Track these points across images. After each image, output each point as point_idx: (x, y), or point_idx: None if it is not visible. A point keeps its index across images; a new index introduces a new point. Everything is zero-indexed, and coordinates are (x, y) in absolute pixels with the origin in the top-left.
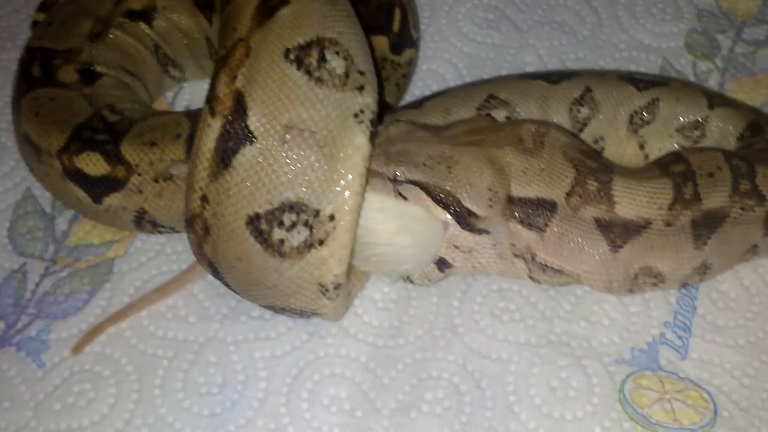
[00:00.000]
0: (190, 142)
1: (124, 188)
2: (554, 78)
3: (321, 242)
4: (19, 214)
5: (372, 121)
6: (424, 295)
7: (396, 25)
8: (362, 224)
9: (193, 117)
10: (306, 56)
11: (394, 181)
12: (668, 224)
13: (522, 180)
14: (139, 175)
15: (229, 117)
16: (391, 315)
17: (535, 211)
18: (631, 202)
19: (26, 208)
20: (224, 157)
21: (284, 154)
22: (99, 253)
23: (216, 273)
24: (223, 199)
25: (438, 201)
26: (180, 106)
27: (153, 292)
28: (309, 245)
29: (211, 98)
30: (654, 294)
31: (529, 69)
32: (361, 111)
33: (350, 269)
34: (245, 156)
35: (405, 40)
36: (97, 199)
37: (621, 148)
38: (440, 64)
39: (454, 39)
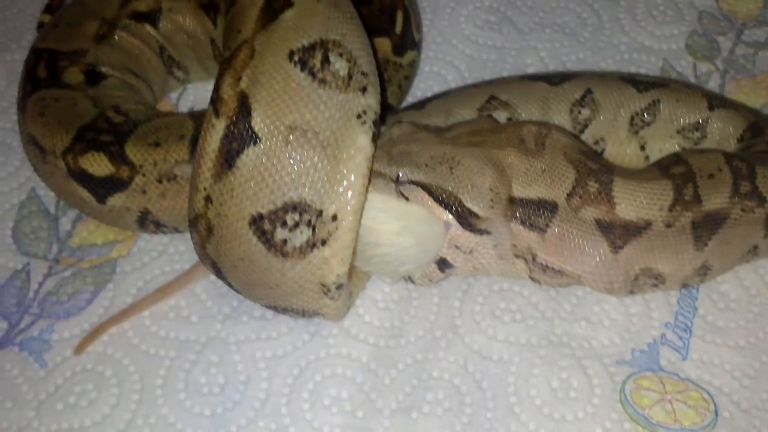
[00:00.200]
0: (194, 143)
1: (128, 188)
2: (555, 79)
3: (323, 242)
4: (23, 214)
5: (374, 122)
6: (425, 295)
7: (398, 27)
8: (364, 224)
9: (197, 118)
10: (310, 58)
11: (396, 181)
12: (669, 225)
13: (523, 181)
14: (143, 175)
15: (233, 118)
16: (392, 315)
17: (536, 212)
18: (631, 204)
19: (30, 208)
20: (228, 158)
21: (288, 155)
22: (102, 253)
23: (219, 273)
24: (226, 199)
25: (440, 201)
26: (184, 107)
27: (155, 292)
28: (311, 245)
29: (216, 99)
30: (654, 295)
31: (531, 71)
32: (364, 112)
33: (352, 269)
34: (249, 157)
35: (407, 42)
36: (101, 199)
37: (622, 150)
38: (442, 65)
39: (456, 41)
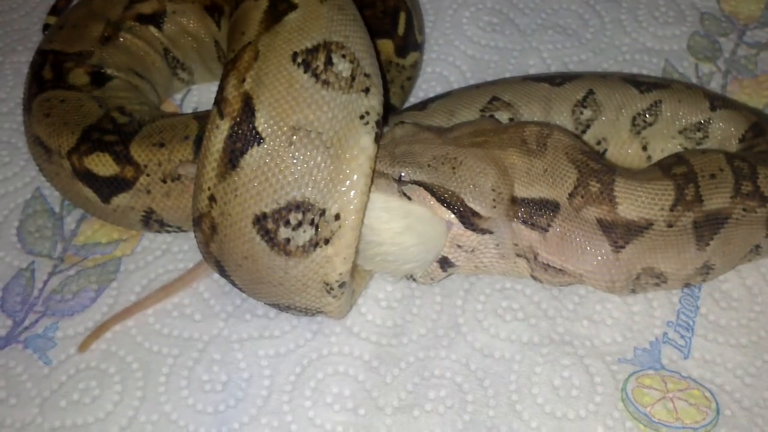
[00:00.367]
0: (198, 144)
1: (133, 188)
2: (557, 80)
3: (326, 241)
4: (28, 213)
5: (377, 123)
6: (427, 294)
7: (401, 29)
8: (367, 223)
9: (202, 119)
10: (313, 59)
11: (399, 181)
12: (670, 225)
13: (525, 181)
14: (148, 175)
15: (238, 118)
16: (395, 314)
17: (537, 212)
18: (632, 203)
19: (35, 208)
20: (232, 158)
21: (291, 155)
22: (106, 252)
23: (222, 271)
24: (230, 198)
25: (442, 201)
26: (188, 108)
27: (159, 290)
28: (314, 244)
29: (220, 100)
30: (656, 294)
31: (533, 72)
32: (367, 113)
33: (354, 268)
34: (253, 156)
35: (410, 44)
36: (106, 199)
37: (623, 150)
38: (444, 66)
39: (458, 42)
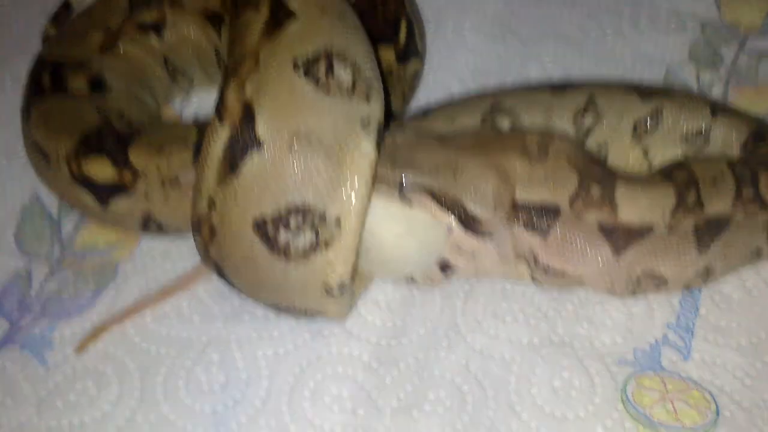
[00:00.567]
0: (197, 149)
1: (131, 194)
2: (558, 88)
3: (326, 245)
4: (26, 217)
5: (378, 129)
6: (427, 295)
7: (402, 37)
8: (367, 228)
9: (201, 125)
10: (314, 67)
11: (400, 186)
12: (671, 229)
13: (526, 185)
14: (146, 180)
15: (238, 125)
16: (394, 315)
17: (538, 215)
18: (633, 208)
19: (33, 211)
20: (232, 163)
21: (291, 161)
22: (104, 255)
23: (221, 275)
24: (230, 203)
25: (443, 206)
26: (187, 114)
27: (157, 292)
28: (315, 248)
29: (220, 107)
30: (657, 295)
31: (534, 80)
32: (368, 119)
33: (355, 271)
34: (253, 162)
35: (410, 52)
36: (104, 203)
37: (625, 157)
38: (445, 74)
39: (459, 50)
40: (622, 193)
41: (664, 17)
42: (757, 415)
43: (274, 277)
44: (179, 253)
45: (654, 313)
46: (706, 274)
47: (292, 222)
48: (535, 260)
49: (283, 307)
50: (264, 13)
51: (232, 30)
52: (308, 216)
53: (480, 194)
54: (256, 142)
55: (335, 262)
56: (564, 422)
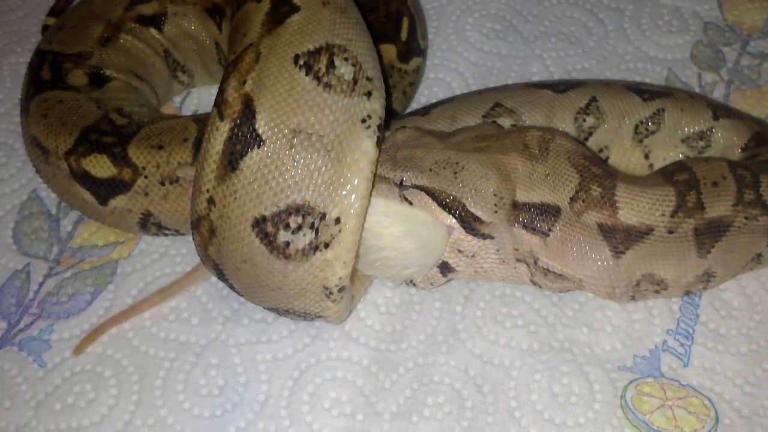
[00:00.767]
0: (197, 146)
1: (130, 190)
2: (560, 87)
3: (326, 245)
4: (24, 215)
5: (379, 127)
6: (426, 299)
7: (404, 34)
8: (367, 228)
9: (201, 121)
10: (315, 62)
11: (400, 185)
12: (671, 231)
13: (527, 185)
14: (146, 177)
15: (238, 120)
16: (394, 319)
17: (539, 216)
18: (633, 208)
19: (32, 209)
20: (232, 160)
21: (292, 158)
22: (103, 255)
23: (220, 275)
24: (229, 201)
25: (443, 206)
26: (188, 110)
27: (156, 293)
28: (314, 248)
29: (220, 102)
30: (656, 302)
31: (535, 79)
32: (369, 116)
33: (354, 272)
34: (253, 159)
35: (412, 49)
36: (103, 201)
37: (626, 158)
38: (447, 72)
39: (461, 48)
40: (622, 194)
41: (666, 17)
42: (756, 422)
43: (273, 277)
44: (178, 253)
45: (654, 320)
46: (707, 279)
47: (292, 221)
48: (535, 262)
49: (282, 309)
50: (265, 5)
51: (233, 23)
52: (308, 215)
53: (481, 194)
54: (256, 139)
55: (335, 263)
56: (563, 428)
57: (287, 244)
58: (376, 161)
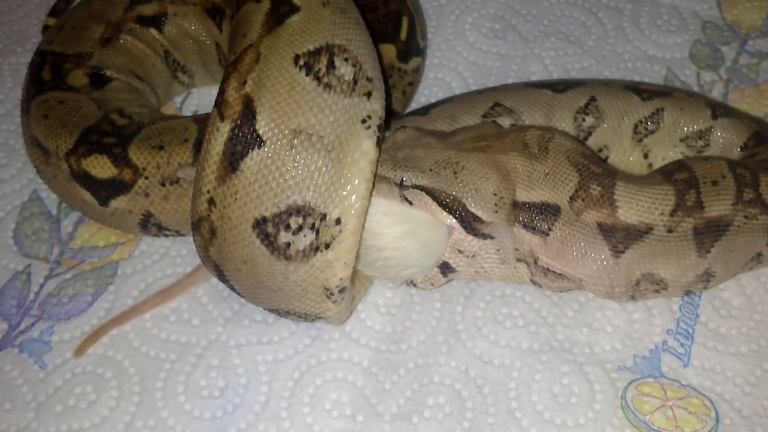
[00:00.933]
0: (198, 146)
1: (131, 191)
2: (559, 87)
3: (327, 245)
4: (25, 216)
5: (379, 127)
6: (427, 300)
7: (403, 34)
8: (368, 228)
9: (201, 121)
10: (315, 62)
11: (401, 185)
12: (670, 230)
13: (527, 185)
14: (146, 178)
15: (238, 121)
16: (394, 320)
17: (539, 215)
18: (632, 207)
19: (32, 210)
20: (232, 161)
21: (292, 158)
22: (104, 256)
23: (221, 276)
24: (230, 202)
25: (443, 206)
26: (188, 111)
27: (156, 294)
28: (315, 248)
29: (220, 102)
30: (656, 301)
31: (535, 78)
32: (369, 117)
33: (355, 273)
34: (253, 159)
35: (412, 49)
36: (104, 201)
37: (625, 157)
38: (446, 72)
39: (461, 48)
40: (621, 192)
41: (665, 16)
42: (757, 422)
43: (274, 278)
44: (179, 254)
45: (654, 320)
46: (707, 278)
47: (292, 222)
48: (536, 261)
49: (282, 310)
50: (265, 5)
51: (233, 23)
52: (308, 216)
53: (481, 194)
54: (257, 140)
55: (335, 264)
56: (564, 429)
57: (288, 244)
58: (377, 161)
